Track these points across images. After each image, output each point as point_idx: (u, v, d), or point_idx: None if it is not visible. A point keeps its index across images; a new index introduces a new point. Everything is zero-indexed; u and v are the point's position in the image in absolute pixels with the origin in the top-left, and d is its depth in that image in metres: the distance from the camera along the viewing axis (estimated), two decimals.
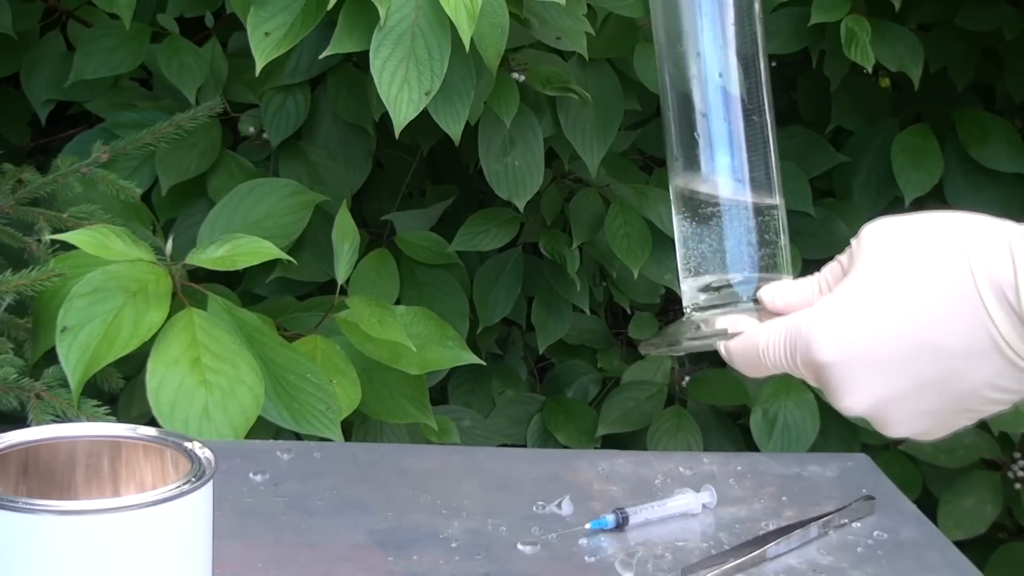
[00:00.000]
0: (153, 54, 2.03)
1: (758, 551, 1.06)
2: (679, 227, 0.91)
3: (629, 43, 2.03)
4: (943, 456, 2.19)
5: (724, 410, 2.32)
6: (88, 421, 1.28)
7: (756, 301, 0.88)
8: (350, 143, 2.08)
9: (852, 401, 0.80)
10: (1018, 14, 2.43)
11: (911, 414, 0.79)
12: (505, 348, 2.41)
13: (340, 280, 1.70)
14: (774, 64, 2.68)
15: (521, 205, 1.96)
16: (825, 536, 1.11)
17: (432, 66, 1.59)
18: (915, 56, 2.26)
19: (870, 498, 1.16)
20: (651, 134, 2.33)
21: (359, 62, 2.02)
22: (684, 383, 2.30)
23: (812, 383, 0.83)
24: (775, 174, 0.89)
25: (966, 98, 2.56)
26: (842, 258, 0.84)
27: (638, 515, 1.11)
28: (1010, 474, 2.20)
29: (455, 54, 1.59)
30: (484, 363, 1.76)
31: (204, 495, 0.75)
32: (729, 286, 0.89)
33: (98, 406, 1.48)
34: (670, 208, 0.91)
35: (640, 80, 2.03)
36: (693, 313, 0.90)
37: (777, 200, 0.89)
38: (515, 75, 1.90)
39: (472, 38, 1.54)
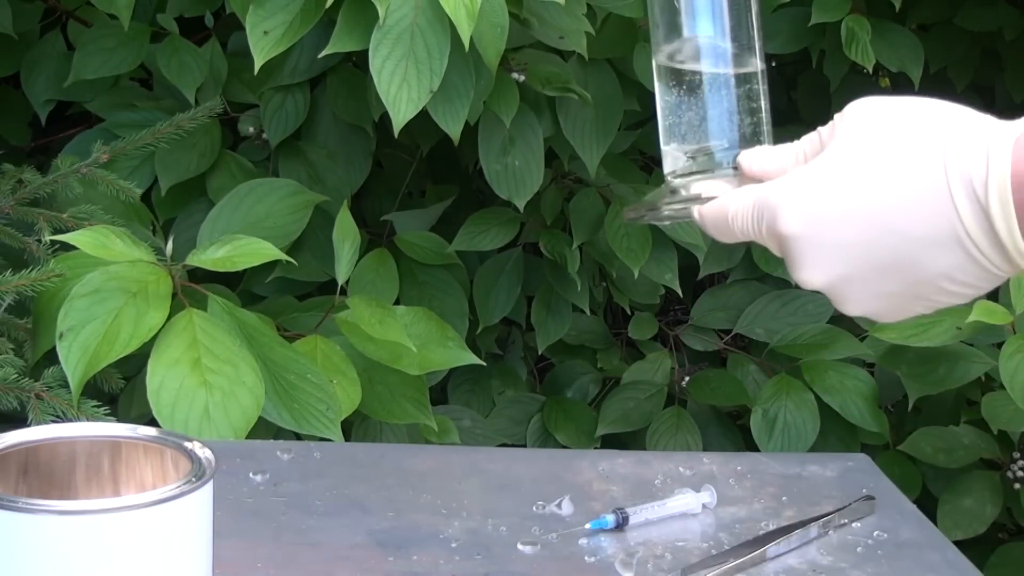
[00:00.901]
0: (153, 54, 2.03)
1: (758, 551, 1.06)
2: (661, 96, 0.91)
3: (629, 43, 2.03)
4: (943, 456, 2.19)
5: (724, 410, 2.32)
6: (88, 421, 1.28)
7: (736, 168, 0.89)
8: (350, 143, 2.08)
9: (810, 275, 0.82)
10: (1018, 14, 2.43)
11: (867, 294, 0.81)
12: (505, 348, 2.41)
13: (340, 280, 1.70)
14: (773, 64, 2.68)
15: (521, 205, 1.96)
16: (825, 536, 1.11)
17: (431, 65, 1.59)
18: (915, 56, 2.26)
19: (870, 498, 1.16)
20: (651, 134, 2.33)
21: (358, 62, 2.02)
22: (684, 383, 2.30)
23: (776, 253, 0.84)
24: (757, 41, 0.90)
25: (966, 98, 2.55)
26: (823, 130, 0.85)
27: (638, 515, 1.11)
28: (1009, 474, 2.20)
29: (455, 53, 1.59)
30: (484, 363, 1.76)
31: (204, 495, 0.75)
32: (710, 153, 0.90)
33: (98, 406, 1.48)
34: None
35: (640, 80, 2.03)
36: (673, 180, 0.91)
37: (759, 66, 0.90)
38: (515, 75, 1.90)
39: (472, 37, 1.54)
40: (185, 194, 2.00)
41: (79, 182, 1.71)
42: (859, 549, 1.10)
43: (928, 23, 2.51)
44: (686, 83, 0.89)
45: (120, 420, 1.37)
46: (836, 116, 0.83)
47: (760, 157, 0.88)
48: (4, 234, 1.66)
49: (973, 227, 0.75)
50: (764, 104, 0.90)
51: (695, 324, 2.40)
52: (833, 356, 2.18)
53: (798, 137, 0.88)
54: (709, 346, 2.39)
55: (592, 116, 2.00)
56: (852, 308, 0.83)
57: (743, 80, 0.89)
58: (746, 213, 0.84)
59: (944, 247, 0.77)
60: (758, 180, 0.87)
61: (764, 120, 0.91)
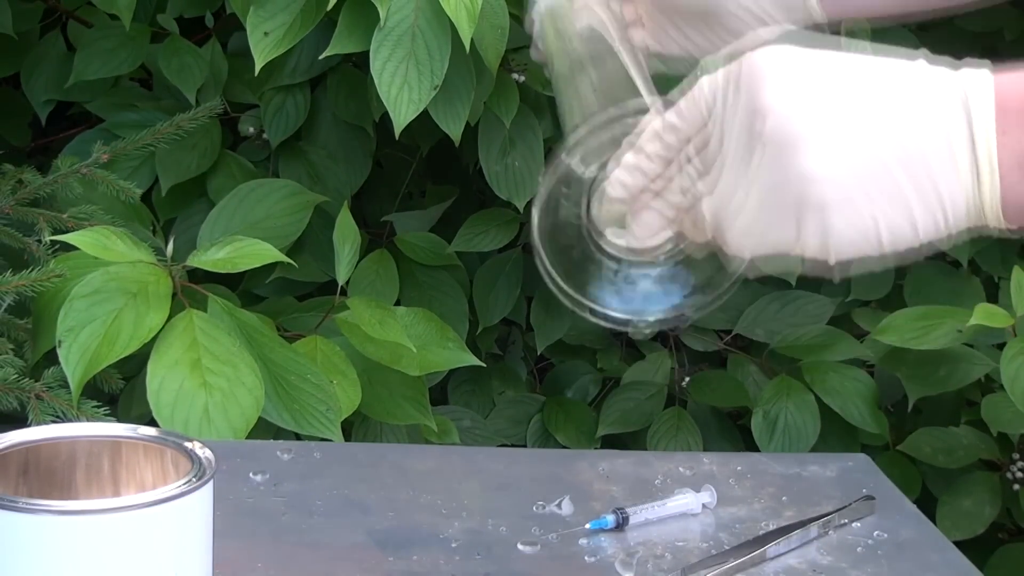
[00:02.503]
0: (153, 54, 2.04)
1: (758, 551, 1.06)
2: None
3: None
4: (942, 456, 2.19)
5: (724, 411, 2.32)
6: (88, 421, 1.28)
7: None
8: (350, 143, 2.08)
9: (817, 159, 0.70)
10: (1018, 14, 2.43)
11: (865, 163, 0.72)
12: (505, 348, 2.41)
13: (341, 281, 1.70)
14: None
15: (521, 205, 1.96)
16: (825, 536, 1.11)
17: (432, 67, 1.59)
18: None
19: (870, 498, 1.16)
20: None
21: (359, 62, 2.02)
22: (684, 383, 2.30)
23: (747, 146, 0.72)
24: None
25: None
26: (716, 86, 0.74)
27: (638, 515, 1.11)
28: (1009, 475, 2.20)
29: (455, 55, 1.59)
30: (484, 364, 1.76)
31: (204, 495, 0.75)
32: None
33: (98, 407, 1.48)
34: None
35: None
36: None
37: None
38: (515, 75, 1.90)
39: (472, 39, 1.54)
40: (185, 194, 2.00)
41: (79, 182, 1.72)
42: (859, 549, 1.10)
43: (928, 23, 2.51)
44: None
45: (120, 420, 1.37)
46: (724, 71, 0.73)
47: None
48: (4, 234, 1.66)
49: (960, 127, 0.72)
50: None
51: (695, 324, 2.40)
52: (833, 357, 2.18)
53: None
54: (709, 347, 2.39)
55: None
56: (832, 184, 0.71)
57: None
58: (725, 88, 0.71)
59: (934, 124, 0.72)
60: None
61: None
